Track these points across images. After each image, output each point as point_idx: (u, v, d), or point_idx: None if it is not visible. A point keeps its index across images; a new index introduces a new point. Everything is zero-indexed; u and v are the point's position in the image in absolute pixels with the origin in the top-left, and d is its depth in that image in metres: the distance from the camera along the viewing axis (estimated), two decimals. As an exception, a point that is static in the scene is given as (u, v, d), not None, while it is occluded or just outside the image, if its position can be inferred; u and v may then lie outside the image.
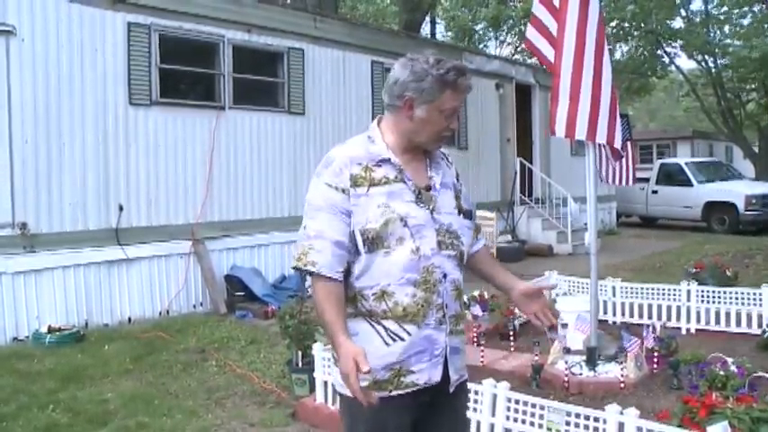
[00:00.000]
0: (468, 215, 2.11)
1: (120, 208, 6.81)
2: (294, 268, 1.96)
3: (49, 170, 6.31)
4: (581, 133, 4.54)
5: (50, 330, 5.92)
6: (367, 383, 1.89)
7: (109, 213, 6.74)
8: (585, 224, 6.28)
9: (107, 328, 6.48)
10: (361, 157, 1.96)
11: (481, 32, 25.48)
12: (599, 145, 4.87)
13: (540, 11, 4.93)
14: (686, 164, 16.36)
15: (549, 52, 4.85)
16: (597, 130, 4.53)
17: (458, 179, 2.15)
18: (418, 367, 1.94)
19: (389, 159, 1.97)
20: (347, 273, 1.95)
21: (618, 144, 4.65)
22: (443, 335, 1.97)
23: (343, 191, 1.91)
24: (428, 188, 2.01)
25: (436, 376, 1.97)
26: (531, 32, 5.04)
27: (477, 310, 5.77)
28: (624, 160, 5.96)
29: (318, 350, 4.08)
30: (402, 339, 1.92)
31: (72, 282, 6.43)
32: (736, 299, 5.79)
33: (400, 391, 1.94)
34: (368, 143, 2.00)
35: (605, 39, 4.58)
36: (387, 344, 1.93)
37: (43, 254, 6.22)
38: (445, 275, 1.97)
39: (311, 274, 1.91)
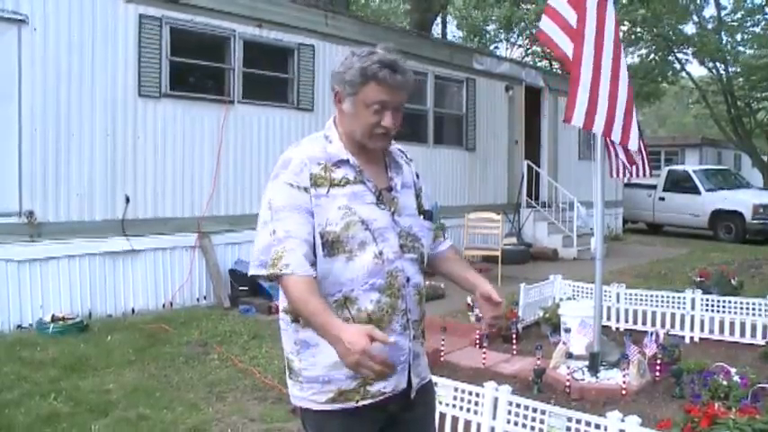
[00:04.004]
0: (429, 216, 2.04)
1: (127, 199, 6.82)
2: (268, 277, 1.79)
3: (56, 160, 6.33)
4: (598, 127, 4.50)
5: (54, 319, 5.94)
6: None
7: (115, 204, 6.76)
8: (591, 229, 6.25)
9: (110, 319, 6.50)
10: (320, 157, 1.87)
11: (492, 33, 25.43)
12: (611, 142, 4.76)
13: (556, 2, 4.76)
14: (694, 171, 16.30)
15: (563, 43, 4.69)
16: (613, 129, 4.50)
17: (418, 177, 2.07)
18: None
19: (348, 161, 1.88)
20: None
21: (633, 147, 4.61)
22: (408, 340, 1.91)
23: (306, 189, 1.82)
24: (389, 189, 1.93)
25: (403, 383, 1.90)
26: (545, 23, 4.81)
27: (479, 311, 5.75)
28: (639, 153, 5.80)
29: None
30: None
31: (77, 271, 6.45)
32: (741, 308, 5.77)
33: (367, 402, 1.86)
34: (325, 143, 1.91)
35: (620, 40, 4.56)
36: None
37: (49, 243, 6.24)
38: (408, 279, 1.90)
39: (279, 277, 1.77)
